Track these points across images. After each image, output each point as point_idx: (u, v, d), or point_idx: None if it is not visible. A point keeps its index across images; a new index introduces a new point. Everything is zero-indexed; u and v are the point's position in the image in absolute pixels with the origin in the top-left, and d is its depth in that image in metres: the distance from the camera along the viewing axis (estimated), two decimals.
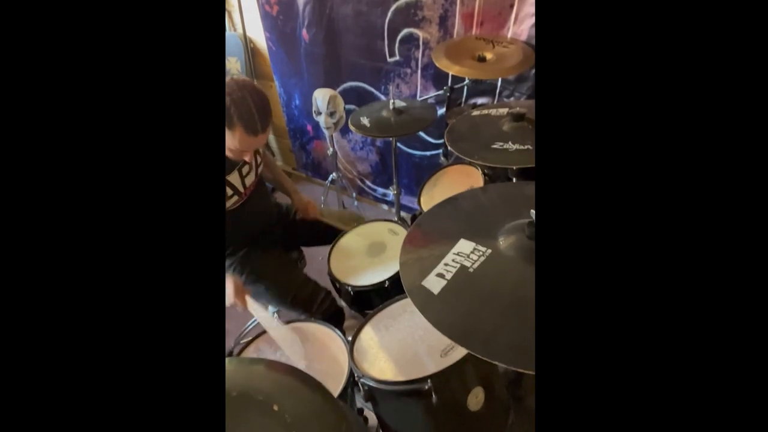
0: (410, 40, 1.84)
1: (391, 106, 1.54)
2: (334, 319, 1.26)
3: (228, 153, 1.08)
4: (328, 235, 1.40)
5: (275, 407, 0.49)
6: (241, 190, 1.23)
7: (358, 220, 1.48)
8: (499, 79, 1.71)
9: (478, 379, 0.88)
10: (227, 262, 1.31)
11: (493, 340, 0.57)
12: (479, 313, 0.61)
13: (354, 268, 1.28)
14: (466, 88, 1.79)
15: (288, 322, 1.13)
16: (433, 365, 0.88)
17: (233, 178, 1.19)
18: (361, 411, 1.01)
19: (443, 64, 1.47)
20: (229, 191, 1.19)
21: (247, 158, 1.11)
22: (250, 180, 1.26)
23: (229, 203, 1.20)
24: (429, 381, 0.81)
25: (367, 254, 1.32)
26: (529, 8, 1.52)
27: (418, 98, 1.95)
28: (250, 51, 2.43)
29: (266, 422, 0.48)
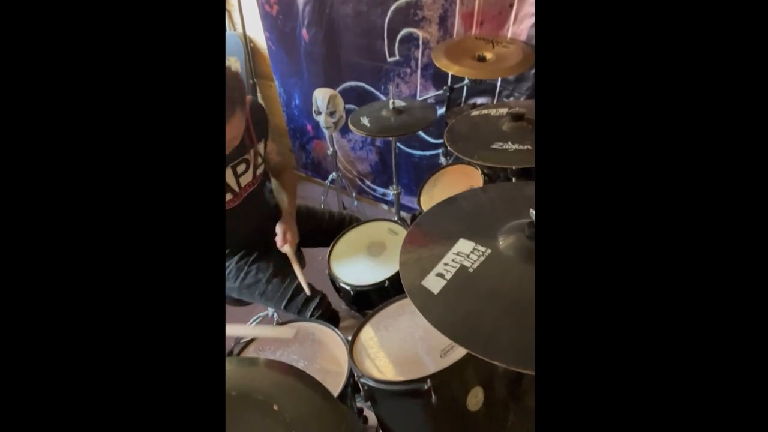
0: (410, 39, 1.84)
1: (390, 106, 1.54)
2: (330, 323, 1.26)
3: None
4: (328, 236, 1.40)
5: (275, 407, 0.49)
6: (236, 189, 1.22)
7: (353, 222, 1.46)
8: (499, 79, 1.71)
9: (477, 379, 0.88)
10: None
11: (493, 340, 0.57)
12: (479, 313, 0.61)
13: (354, 268, 1.28)
14: (465, 88, 1.79)
15: (287, 322, 1.13)
16: (432, 365, 0.88)
17: (226, 175, 1.18)
18: (360, 411, 1.02)
19: (443, 63, 1.47)
20: None
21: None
22: (245, 180, 1.24)
23: None
24: (428, 381, 0.81)
25: (366, 254, 1.32)
26: (529, 8, 1.52)
27: (418, 98, 1.95)
28: (250, 50, 2.43)
29: (266, 422, 0.48)
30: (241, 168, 1.22)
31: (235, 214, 1.24)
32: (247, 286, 1.29)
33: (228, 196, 1.20)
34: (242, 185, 1.24)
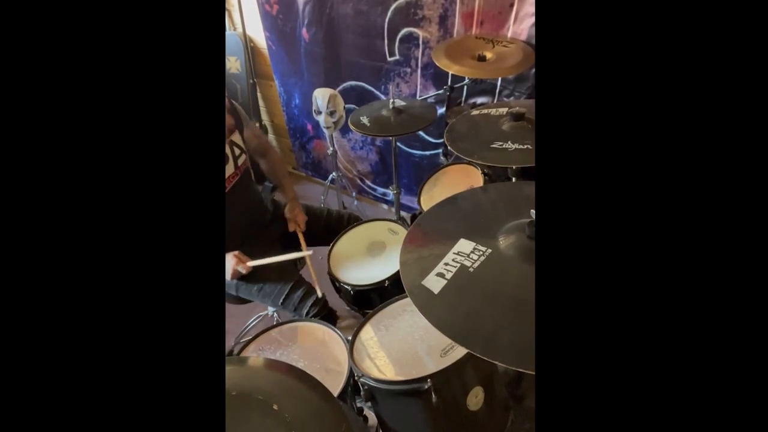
0: (410, 39, 1.84)
1: (390, 106, 1.54)
2: (327, 321, 1.26)
3: None
4: (328, 236, 1.40)
5: (275, 407, 0.49)
6: None
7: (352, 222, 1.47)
8: (499, 79, 1.71)
9: (477, 379, 0.88)
10: None
11: (493, 339, 0.57)
12: (479, 312, 0.61)
13: (354, 268, 1.27)
14: (465, 87, 1.79)
15: (287, 322, 1.13)
16: (432, 365, 0.88)
17: None
18: (360, 410, 1.01)
19: (443, 63, 1.47)
20: None
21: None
22: (228, 171, 1.25)
23: None
24: (429, 381, 0.81)
25: (367, 254, 1.32)
26: (529, 8, 1.51)
27: (418, 97, 1.95)
28: (250, 50, 2.43)
29: (266, 422, 0.48)
30: None
31: (227, 206, 1.24)
32: (245, 282, 1.29)
33: None
34: (225, 176, 1.25)
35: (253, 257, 1.30)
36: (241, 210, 1.32)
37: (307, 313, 1.24)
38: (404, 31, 1.83)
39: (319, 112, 1.97)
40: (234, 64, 2.47)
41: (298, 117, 2.57)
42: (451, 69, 1.47)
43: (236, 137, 1.29)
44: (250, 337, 1.10)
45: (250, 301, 1.40)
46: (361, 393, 0.91)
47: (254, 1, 2.22)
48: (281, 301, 1.27)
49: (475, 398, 0.87)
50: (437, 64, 1.49)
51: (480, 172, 1.42)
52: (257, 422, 0.48)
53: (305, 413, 0.50)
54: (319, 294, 1.27)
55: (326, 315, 1.26)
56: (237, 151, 1.29)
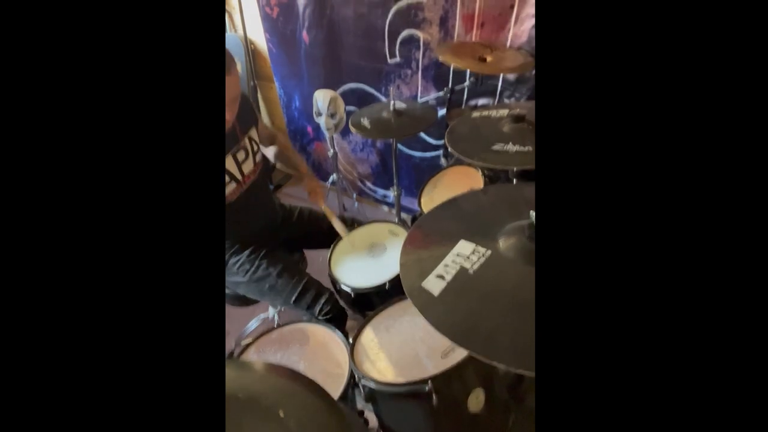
0: (411, 41, 1.84)
1: (391, 108, 1.54)
2: (337, 321, 1.26)
3: None
4: (329, 237, 1.40)
5: (281, 413, 0.49)
6: (239, 177, 1.22)
7: (354, 225, 1.47)
8: (500, 81, 1.71)
9: (478, 381, 0.88)
10: (234, 260, 1.30)
11: (494, 341, 0.57)
12: (479, 314, 0.61)
13: (354, 270, 1.28)
14: (466, 89, 1.79)
15: (288, 323, 1.13)
16: (433, 367, 0.88)
17: (228, 163, 1.18)
18: (361, 412, 1.01)
19: (446, 57, 1.47)
20: (226, 178, 1.18)
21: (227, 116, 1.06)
22: (247, 168, 1.25)
23: (228, 190, 1.19)
24: (429, 382, 0.81)
25: (367, 255, 1.32)
26: (530, 9, 1.52)
27: (419, 99, 1.95)
28: (251, 52, 2.43)
29: (268, 427, 0.48)
30: (241, 156, 1.22)
31: (243, 206, 1.24)
32: (256, 280, 1.28)
33: (232, 186, 1.20)
34: (245, 173, 1.24)
35: (265, 256, 1.29)
36: (257, 210, 1.32)
37: (320, 311, 1.23)
38: (405, 32, 1.83)
39: (320, 114, 1.97)
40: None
41: (298, 119, 2.57)
42: (454, 62, 1.46)
43: (253, 133, 1.28)
44: (251, 339, 1.10)
45: (250, 303, 1.40)
46: (362, 395, 0.91)
47: (255, 3, 2.23)
48: (294, 298, 1.26)
49: (476, 400, 0.87)
50: (440, 58, 1.49)
51: (480, 173, 1.42)
52: (259, 427, 0.48)
53: (307, 419, 0.50)
54: (342, 233, 1.37)
55: (337, 314, 1.26)
56: (255, 147, 1.28)
